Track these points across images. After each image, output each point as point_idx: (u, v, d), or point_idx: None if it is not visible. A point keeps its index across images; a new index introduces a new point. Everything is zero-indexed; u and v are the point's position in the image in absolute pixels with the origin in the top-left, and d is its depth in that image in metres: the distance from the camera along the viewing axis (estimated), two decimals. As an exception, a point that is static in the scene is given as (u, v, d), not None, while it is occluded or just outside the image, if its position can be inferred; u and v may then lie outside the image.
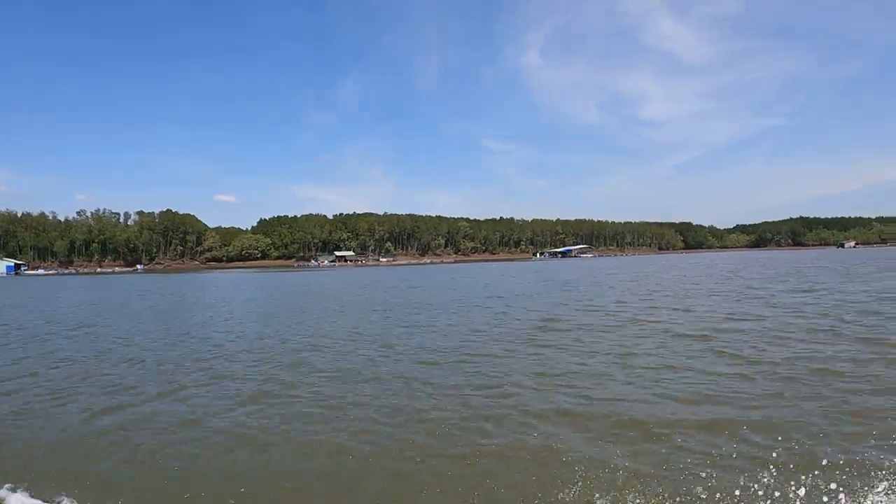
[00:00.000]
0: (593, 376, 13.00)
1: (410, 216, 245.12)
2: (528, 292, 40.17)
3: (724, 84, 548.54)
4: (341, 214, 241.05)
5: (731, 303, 28.30)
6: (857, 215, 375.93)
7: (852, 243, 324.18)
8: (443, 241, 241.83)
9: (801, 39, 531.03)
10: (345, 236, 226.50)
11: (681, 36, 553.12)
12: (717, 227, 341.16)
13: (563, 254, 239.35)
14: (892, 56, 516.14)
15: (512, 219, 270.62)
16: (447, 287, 50.21)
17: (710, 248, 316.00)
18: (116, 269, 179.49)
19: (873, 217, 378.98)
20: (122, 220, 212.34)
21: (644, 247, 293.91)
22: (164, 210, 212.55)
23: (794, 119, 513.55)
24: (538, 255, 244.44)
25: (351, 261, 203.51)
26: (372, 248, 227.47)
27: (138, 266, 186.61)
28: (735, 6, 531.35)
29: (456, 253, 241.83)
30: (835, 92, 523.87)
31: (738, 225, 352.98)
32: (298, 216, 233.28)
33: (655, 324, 21.19)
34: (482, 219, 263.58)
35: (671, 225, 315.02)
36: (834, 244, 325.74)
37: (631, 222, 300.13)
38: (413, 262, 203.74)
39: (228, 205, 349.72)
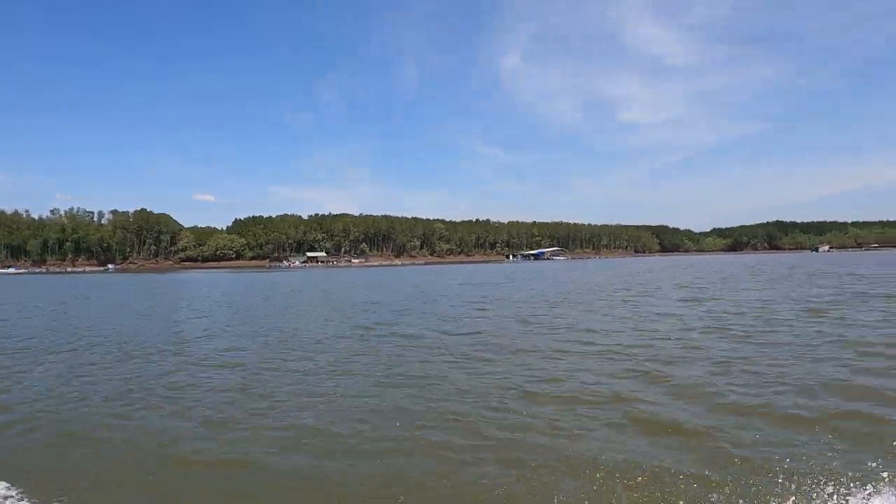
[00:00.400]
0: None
1: (386, 217, 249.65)
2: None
3: (703, 89, 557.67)
4: (317, 215, 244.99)
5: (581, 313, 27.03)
6: (833, 220, 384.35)
7: (826, 247, 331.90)
8: (418, 243, 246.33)
9: (780, 47, 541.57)
10: (320, 237, 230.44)
11: (663, 40, 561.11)
12: (694, 231, 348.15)
13: (536, 256, 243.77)
14: (867, 65, 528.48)
15: (488, 221, 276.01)
16: (373, 290, 53.27)
17: (686, 251, 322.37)
18: (87, 268, 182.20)
19: (849, 222, 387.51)
20: (96, 219, 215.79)
21: (620, 249, 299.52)
22: (139, 209, 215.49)
23: (772, 125, 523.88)
24: (511, 257, 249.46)
25: (322, 262, 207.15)
26: (347, 248, 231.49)
27: (109, 266, 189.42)
28: (716, 13, 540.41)
29: (431, 254, 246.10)
30: (812, 99, 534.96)
31: (714, 228, 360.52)
32: (274, 216, 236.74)
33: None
34: (458, 220, 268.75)
35: (648, 228, 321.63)
36: (809, 248, 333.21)
37: (607, 225, 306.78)
38: (385, 263, 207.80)
39: (208, 204, 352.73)
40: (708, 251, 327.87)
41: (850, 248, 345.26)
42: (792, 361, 13.87)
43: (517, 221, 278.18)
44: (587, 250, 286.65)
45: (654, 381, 12.61)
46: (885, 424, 9.17)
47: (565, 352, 16.27)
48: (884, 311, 23.27)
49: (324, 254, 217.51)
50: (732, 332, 18.76)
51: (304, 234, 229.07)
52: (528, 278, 67.49)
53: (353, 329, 23.07)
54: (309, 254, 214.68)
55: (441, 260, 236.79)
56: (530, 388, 12.26)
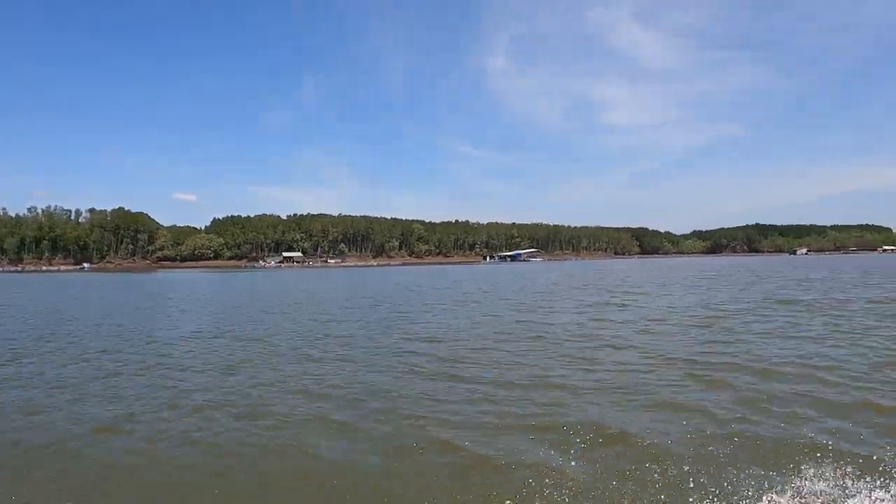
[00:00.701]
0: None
1: (364, 218, 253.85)
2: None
3: (686, 93, 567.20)
4: (295, 215, 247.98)
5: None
6: (813, 223, 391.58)
7: (805, 250, 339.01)
8: (397, 244, 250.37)
9: (760, 52, 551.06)
10: (298, 237, 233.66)
11: (646, 44, 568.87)
12: (674, 233, 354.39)
13: (513, 258, 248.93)
14: (846, 73, 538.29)
15: (467, 222, 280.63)
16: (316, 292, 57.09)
17: (665, 253, 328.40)
18: (62, 267, 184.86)
19: (828, 225, 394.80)
20: (73, 217, 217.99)
21: (600, 251, 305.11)
22: (117, 208, 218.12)
23: (753, 130, 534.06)
24: (488, 258, 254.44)
25: (298, 262, 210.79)
26: (325, 249, 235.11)
27: (85, 265, 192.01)
28: (699, 17, 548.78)
29: (410, 255, 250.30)
30: (793, 104, 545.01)
31: (694, 231, 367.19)
32: (252, 216, 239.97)
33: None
34: (437, 221, 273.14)
35: (627, 230, 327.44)
36: (788, 251, 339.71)
37: (587, 227, 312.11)
38: (360, 264, 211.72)
39: (188, 203, 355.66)
40: (687, 253, 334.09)
41: (829, 251, 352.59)
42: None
43: (496, 223, 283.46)
44: (567, 252, 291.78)
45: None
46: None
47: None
48: (768, 320, 23.39)
49: (300, 254, 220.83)
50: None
51: (283, 234, 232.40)
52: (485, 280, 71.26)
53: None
54: (285, 254, 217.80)
55: (419, 261, 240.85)
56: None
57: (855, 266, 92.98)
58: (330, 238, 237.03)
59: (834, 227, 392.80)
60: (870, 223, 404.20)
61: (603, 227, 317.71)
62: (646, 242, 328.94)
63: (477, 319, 26.91)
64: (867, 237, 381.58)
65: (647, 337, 19.82)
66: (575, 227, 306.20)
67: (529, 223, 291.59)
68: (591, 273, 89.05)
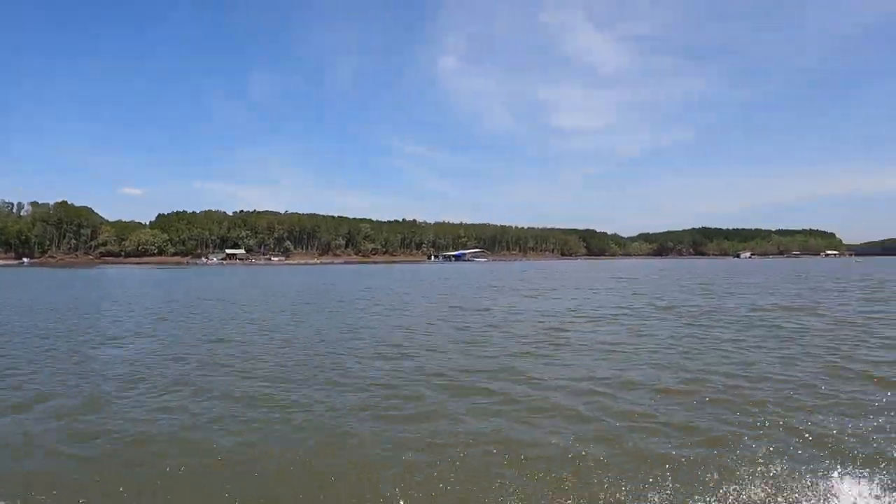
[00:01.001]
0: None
1: (311, 215, 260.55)
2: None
3: (636, 98, 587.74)
4: (241, 212, 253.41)
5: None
6: (758, 227, 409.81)
7: (748, 254, 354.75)
8: (343, 242, 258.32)
9: (711, 61, 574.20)
10: (243, 234, 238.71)
11: (599, 49, 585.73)
12: (621, 236, 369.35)
13: (457, 257, 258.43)
14: (796, 82, 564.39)
15: (414, 221, 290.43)
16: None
17: (612, 255, 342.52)
18: (1, 262, 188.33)
19: (773, 230, 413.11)
20: (15, 210, 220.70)
21: (547, 252, 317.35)
22: (60, 201, 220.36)
23: (702, 135, 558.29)
24: (432, 258, 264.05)
25: (241, 259, 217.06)
26: (271, 246, 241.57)
27: (24, 259, 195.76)
28: (653, 26, 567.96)
29: (357, 253, 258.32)
30: (740, 112, 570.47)
31: (641, 234, 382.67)
32: (198, 212, 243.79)
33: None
34: (384, 220, 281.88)
35: (575, 232, 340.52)
36: (732, 254, 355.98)
37: (534, 227, 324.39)
38: (302, 262, 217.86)
39: (135, 198, 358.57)
40: (634, 255, 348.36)
41: (773, 255, 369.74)
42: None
43: (444, 223, 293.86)
44: (514, 252, 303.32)
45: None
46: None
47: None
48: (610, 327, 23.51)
49: (243, 251, 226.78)
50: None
51: (228, 230, 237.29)
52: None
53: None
54: (228, 251, 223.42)
55: (365, 259, 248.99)
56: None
57: (791, 270, 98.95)
58: (276, 235, 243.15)
59: (779, 232, 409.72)
60: (815, 228, 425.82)
61: (550, 229, 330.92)
62: (593, 244, 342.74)
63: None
64: (811, 242, 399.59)
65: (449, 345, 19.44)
66: (522, 228, 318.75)
67: (477, 223, 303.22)
68: (517, 274, 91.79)
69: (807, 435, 9.62)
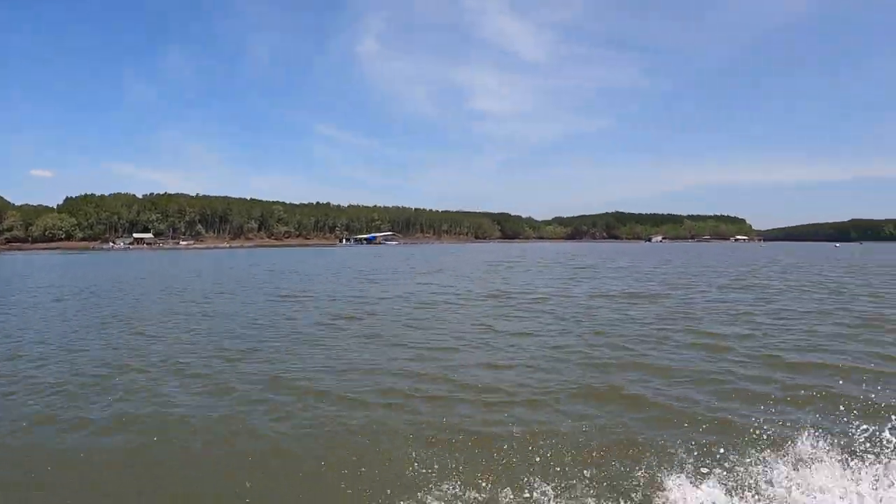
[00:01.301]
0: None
1: (223, 198, 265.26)
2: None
3: (554, 85, 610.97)
4: (152, 194, 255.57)
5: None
6: (670, 213, 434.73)
7: (660, 238, 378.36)
8: (255, 225, 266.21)
9: (629, 51, 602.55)
10: (154, 217, 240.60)
11: (519, 36, 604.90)
12: (536, 219, 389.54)
13: (368, 240, 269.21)
14: (710, 74, 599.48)
15: (328, 203, 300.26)
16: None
17: (526, 238, 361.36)
18: None
19: (685, 215, 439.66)
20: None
21: (462, 235, 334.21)
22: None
23: (619, 122, 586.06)
24: (344, 241, 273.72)
25: (149, 243, 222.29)
26: (183, 230, 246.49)
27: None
28: (574, 14, 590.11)
29: (269, 237, 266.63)
30: (656, 101, 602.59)
31: (556, 217, 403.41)
32: (107, 195, 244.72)
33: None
34: (298, 203, 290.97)
35: (489, 215, 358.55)
36: (644, 238, 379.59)
37: (449, 211, 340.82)
38: (213, 246, 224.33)
39: (45, 181, 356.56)
40: (548, 239, 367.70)
41: (685, 239, 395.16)
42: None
43: (358, 205, 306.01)
44: (428, 235, 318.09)
45: None
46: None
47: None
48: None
49: (151, 235, 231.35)
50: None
51: (138, 214, 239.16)
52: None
53: None
54: (136, 235, 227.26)
55: (278, 243, 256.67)
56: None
57: (694, 253, 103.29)
58: (187, 219, 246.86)
59: (691, 217, 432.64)
60: (726, 214, 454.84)
61: (465, 212, 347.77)
62: (507, 227, 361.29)
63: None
64: (722, 227, 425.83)
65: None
66: (437, 212, 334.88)
67: (391, 206, 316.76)
68: (418, 257, 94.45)
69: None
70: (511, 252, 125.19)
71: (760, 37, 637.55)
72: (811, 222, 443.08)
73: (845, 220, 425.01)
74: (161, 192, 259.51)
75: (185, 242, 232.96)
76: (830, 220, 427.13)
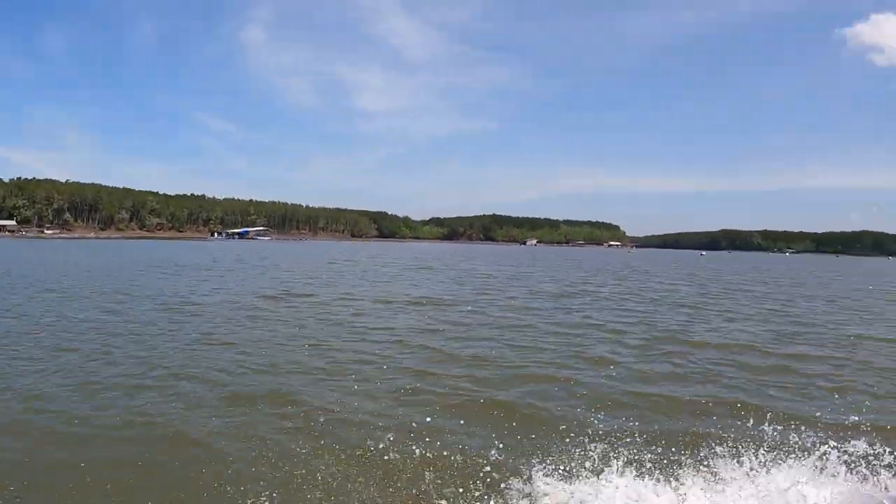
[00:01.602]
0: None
1: (94, 185, 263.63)
2: None
3: (439, 85, 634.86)
4: (19, 179, 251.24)
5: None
6: (547, 217, 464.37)
7: (534, 241, 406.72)
8: (127, 216, 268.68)
9: (515, 54, 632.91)
10: (20, 204, 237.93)
11: (407, 34, 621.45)
12: (413, 219, 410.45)
13: (241, 235, 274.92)
14: (598, 78, 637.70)
15: (203, 196, 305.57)
16: None
17: (402, 237, 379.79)
18: None
19: (562, 220, 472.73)
20: None
21: (338, 232, 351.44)
22: None
23: (502, 125, 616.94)
24: (215, 234, 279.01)
25: (11, 231, 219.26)
26: (50, 218, 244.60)
27: None
28: (462, 15, 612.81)
29: (141, 228, 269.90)
30: (540, 105, 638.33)
31: (433, 217, 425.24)
32: None
33: None
34: (172, 194, 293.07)
35: (366, 213, 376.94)
36: (520, 241, 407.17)
37: (326, 207, 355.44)
38: (78, 236, 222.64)
39: None
40: (424, 239, 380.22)
41: (559, 243, 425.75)
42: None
43: (234, 199, 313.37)
44: (303, 231, 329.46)
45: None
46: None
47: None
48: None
49: (14, 223, 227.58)
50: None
51: (3, 199, 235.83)
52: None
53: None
54: None
55: (148, 235, 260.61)
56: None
57: (558, 257, 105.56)
58: (55, 206, 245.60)
59: (567, 222, 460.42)
60: (602, 221, 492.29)
61: (342, 209, 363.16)
62: (384, 226, 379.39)
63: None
64: (596, 233, 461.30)
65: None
66: (313, 208, 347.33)
67: (268, 201, 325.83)
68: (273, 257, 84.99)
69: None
70: (365, 251, 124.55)
71: (647, 52, 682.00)
72: (686, 231, 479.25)
73: (716, 230, 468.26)
74: (29, 178, 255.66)
75: (50, 231, 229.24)
76: (704, 230, 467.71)
